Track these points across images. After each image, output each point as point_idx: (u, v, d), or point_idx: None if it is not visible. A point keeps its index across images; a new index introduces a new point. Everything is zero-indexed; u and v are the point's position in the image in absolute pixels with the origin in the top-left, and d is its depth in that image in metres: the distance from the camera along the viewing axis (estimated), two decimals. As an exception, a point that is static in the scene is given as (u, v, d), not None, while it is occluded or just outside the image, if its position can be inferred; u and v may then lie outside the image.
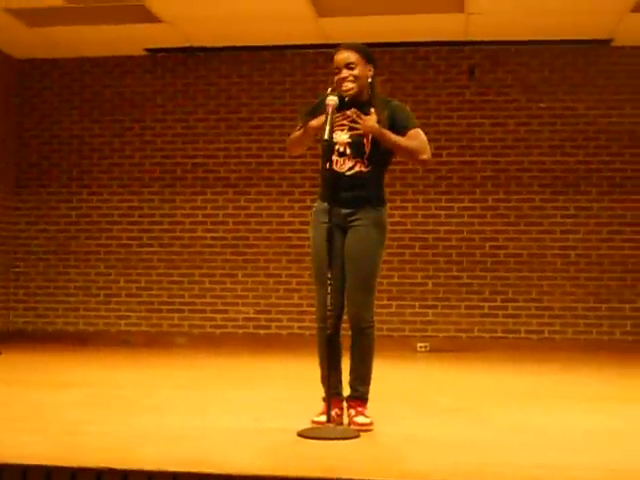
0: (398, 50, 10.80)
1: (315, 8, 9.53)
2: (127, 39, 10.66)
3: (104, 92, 11.34)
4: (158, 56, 11.24)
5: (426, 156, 4.87)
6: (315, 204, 4.95)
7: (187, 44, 10.87)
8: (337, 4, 9.43)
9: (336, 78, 4.84)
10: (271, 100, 11.00)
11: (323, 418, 4.57)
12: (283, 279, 10.77)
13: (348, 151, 4.75)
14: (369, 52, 4.88)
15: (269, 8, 9.49)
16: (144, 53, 11.21)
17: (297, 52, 10.86)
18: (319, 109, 4.83)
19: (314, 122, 4.78)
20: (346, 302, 4.79)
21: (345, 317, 4.82)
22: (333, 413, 4.59)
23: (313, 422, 4.64)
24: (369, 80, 4.86)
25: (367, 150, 4.74)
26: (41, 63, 11.48)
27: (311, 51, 10.67)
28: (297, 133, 4.92)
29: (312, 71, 10.61)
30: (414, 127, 4.85)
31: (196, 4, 9.48)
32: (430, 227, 10.68)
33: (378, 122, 4.72)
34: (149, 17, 9.84)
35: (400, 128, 4.80)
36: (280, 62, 11.04)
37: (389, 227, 4.93)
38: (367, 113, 4.76)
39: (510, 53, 10.72)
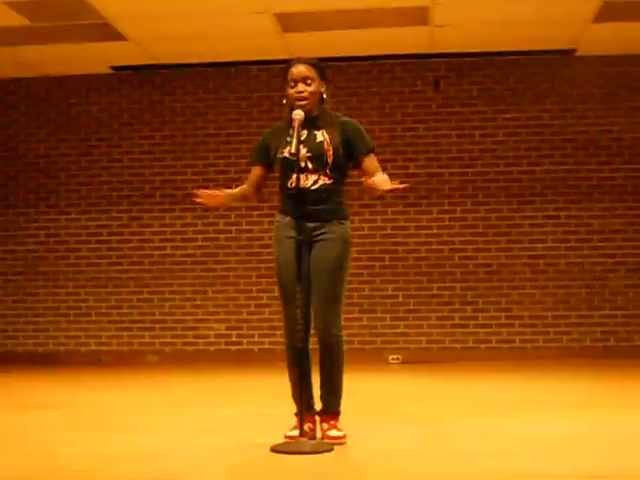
0: (363, 64, 10.85)
1: (280, 24, 9.56)
2: (92, 57, 10.62)
3: (70, 111, 11.30)
4: (124, 74, 11.22)
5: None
6: (276, 219, 4.93)
7: (153, 61, 10.85)
8: (302, 19, 9.46)
9: (292, 92, 4.84)
10: (238, 116, 11.00)
11: (296, 432, 4.58)
12: (254, 294, 10.76)
13: (310, 165, 4.74)
14: (323, 68, 4.92)
15: (234, 24, 9.50)
16: (110, 71, 11.19)
17: (263, 67, 10.88)
18: (261, 148, 4.97)
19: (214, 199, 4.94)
20: (313, 316, 4.77)
21: (313, 331, 4.81)
22: (306, 427, 4.60)
23: (286, 437, 4.65)
24: (324, 96, 4.90)
25: (330, 161, 4.75)
26: (6, 83, 11.41)
27: (277, 66, 10.67)
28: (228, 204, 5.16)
29: (278, 86, 10.41)
30: (372, 150, 4.87)
31: (161, 22, 9.48)
32: (399, 239, 10.71)
33: (329, 139, 4.78)
34: (114, 35, 9.82)
35: (358, 153, 4.83)
36: (246, 78, 11.06)
37: (353, 241, 4.93)
38: (316, 128, 4.78)
39: (475, 65, 10.79)
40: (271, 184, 5.07)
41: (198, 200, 4.88)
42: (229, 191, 4.99)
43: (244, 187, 5.01)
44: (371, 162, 4.87)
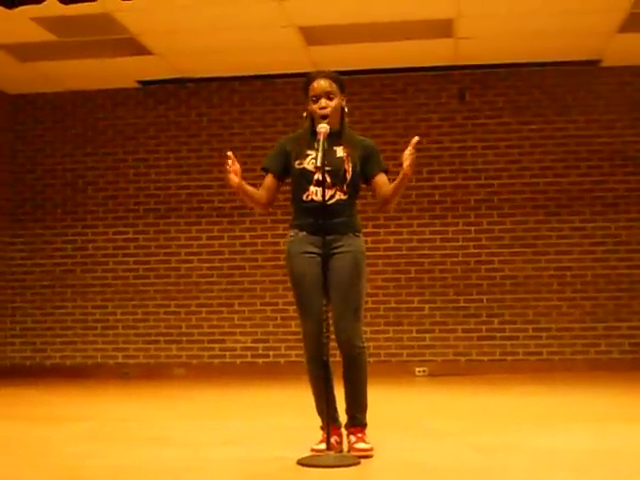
0: (388, 76, 10.87)
1: (304, 37, 9.59)
2: (118, 72, 10.71)
3: (97, 125, 11.38)
4: (150, 88, 11.29)
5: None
6: (290, 234, 4.89)
7: (178, 75, 10.92)
8: (326, 32, 9.49)
9: (315, 107, 4.82)
10: (263, 129, 11.04)
11: (323, 446, 4.57)
12: (280, 307, 10.76)
13: (328, 179, 4.69)
14: (343, 82, 4.90)
15: (259, 38, 9.55)
16: (136, 85, 11.26)
17: (288, 81, 10.91)
18: (279, 154, 4.91)
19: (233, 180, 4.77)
20: (335, 330, 4.73)
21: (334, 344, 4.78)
22: (332, 440, 4.58)
23: (313, 450, 4.63)
24: (345, 110, 4.88)
25: (348, 177, 4.74)
26: (34, 98, 11.52)
27: (301, 79, 10.66)
28: (239, 192, 4.89)
29: (303, 99, 10.63)
30: (386, 171, 4.87)
31: (186, 36, 9.54)
32: (425, 251, 10.69)
33: (348, 156, 4.76)
34: (140, 50, 9.90)
35: (372, 171, 4.82)
36: (271, 91, 11.10)
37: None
38: (337, 144, 4.77)
39: (500, 76, 10.78)
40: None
41: (228, 163, 4.79)
42: (245, 185, 4.86)
43: (260, 193, 4.98)
44: (383, 178, 4.84)
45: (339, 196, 4.74)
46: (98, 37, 9.53)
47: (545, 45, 9.90)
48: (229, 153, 4.78)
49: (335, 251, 4.74)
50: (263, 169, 4.98)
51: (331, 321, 4.74)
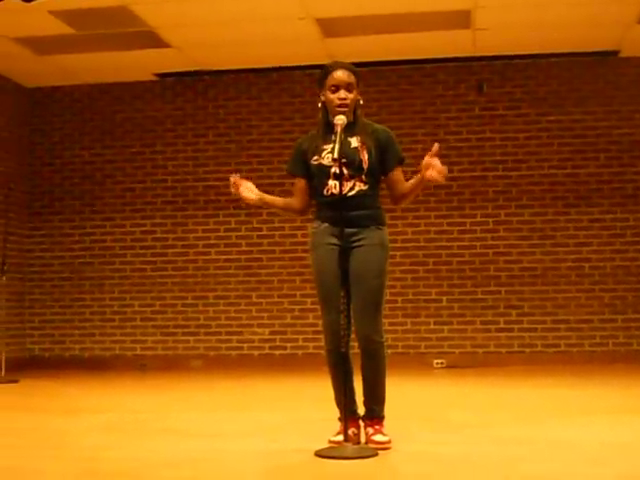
0: (406, 68, 10.85)
1: (321, 29, 9.58)
2: (136, 65, 10.73)
3: (114, 118, 11.41)
4: (167, 80, 11.31)
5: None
6: (313, 225, 4.87)
7: (196, 68, 10.93)
8: (343, 24, 9.48)
9: (333, 97, 4.80)
10: (280, 121, 11.04)
11: (340, 438, 4.57)
12: (297, 299, 10.77)
13: (345, 171, 4.67)
14: (359, 75, 4.89)
15: (276, 30, 9.55)
16: (153, 78, 11.28)
17: (305, 72, 10.90)
18: (298, 155, 4.91)
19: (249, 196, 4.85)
20: (355, 323, 4.73)
21: (353, 337, 4.78)
22: (350, 432, 4.58)
23: (330, 442, 4.64)
24: (360, 102, 4.87)
25: (365, 167, 4.72)
26: (51, 91, 11.55)
27: (319, 71, 10.66)
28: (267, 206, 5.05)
29: (320, 91, 10.60)
30: (401, 162, 4.83)
31: (203, 29, 9.54)
32: (443, 243, 10.68)
33: (363, 145, 4.73)
34: (158, 42, 9.91)
35: (388, 163, 4.78)
36: (288, 83, 11.09)
37: (394, 245, 4.89)
38: (351, 135, 4.73)
39: (518, 67, 10.74)
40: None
41: (231, 188, 4.83)
42: (268, 196, 4.94)
43: (291, 200, 4.95)
44: (398, 175, 4.82)
45: (359, 187, 4.72)
46: (116, 30, 9.55)
47: (563, 36, 9.85)
48: (231, 178, 4.82)
49: (356, 244, 4.72)
50: (289, 173, 4.98)
51: (352, 313, 4.73)
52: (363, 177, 4.72)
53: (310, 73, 10.80)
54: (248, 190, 4.84)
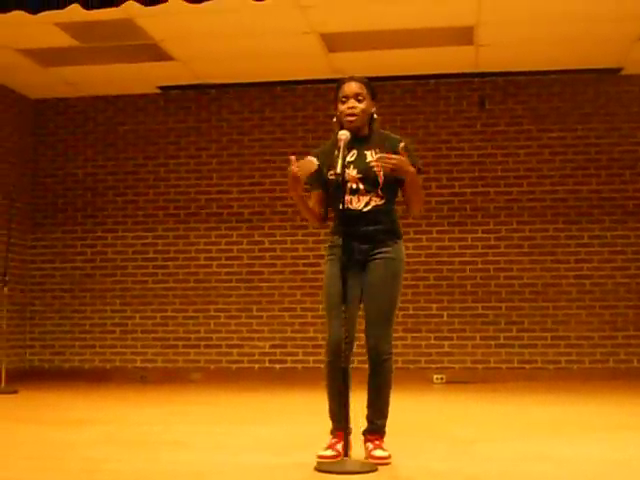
0: (408, 83, 10.88)
1: (325, 43, 9.61)
2: (140, 77, 10.76)
3: (117, 130, 11.44)
4: (171, 94, 11.34)
5: (421, 208, 4.90)
6: (331, 239, 4.86)
7: (199, 81, 10.96)
8: (347, 39, 9.51)
9: (343, 107, 4.82)
10: (283, 135, 11.07)
11: (330, 452, 4.56)
12: (298, 313, 10.78)
13: (361, 186, 4.69)
14: (374, 88, 4.92)
15: (280, 44, 9.58)
16: (157, 91, 11.31)
17: (308, 87, 10.94)
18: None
19: (294, 168, 4.61)
20: (365, 335, 4.73)
21: (358, 349, 4.77)
22: (339, 446, 4.56)
23: (320, 457, 4.58)
24: (374, 117, 4.88)
25: (381, 181, 4.72)
26: (55, 102, 11.59)
27: (322, 86, 10.73)
28: (299, 202, 4.81)
29: (323, 105, 10.65)
30: (417, 172, 4.75)
31: (207, 42, 9.58)
32: (444, 258, 10.69)
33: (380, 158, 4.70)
34: (161, 55, 9.94)
35: (400, 178, 4.72)
36: (291, 97, 11.13)
37: (405, 259, 4.87)
38: (367, 148, 4.75)
39: (520, 84, 10.77)
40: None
41: (292, 166, 4.66)
42: (306, 197, 4.85)
43: (314, 206, 4.92)
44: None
45: (375, 202, 4.71)
46: (120, 43, 9.58)
47: (565, 53, 9.89)
48: (292, 157, 4.66)
49: (371, 258, 4.73)
50: (307, 185, 4.93)
51: (360, 327, 4.73)
52: (379, 192, 4.71)
53: (313, 88, 10.86)
54: (309, 162, 4.73)
